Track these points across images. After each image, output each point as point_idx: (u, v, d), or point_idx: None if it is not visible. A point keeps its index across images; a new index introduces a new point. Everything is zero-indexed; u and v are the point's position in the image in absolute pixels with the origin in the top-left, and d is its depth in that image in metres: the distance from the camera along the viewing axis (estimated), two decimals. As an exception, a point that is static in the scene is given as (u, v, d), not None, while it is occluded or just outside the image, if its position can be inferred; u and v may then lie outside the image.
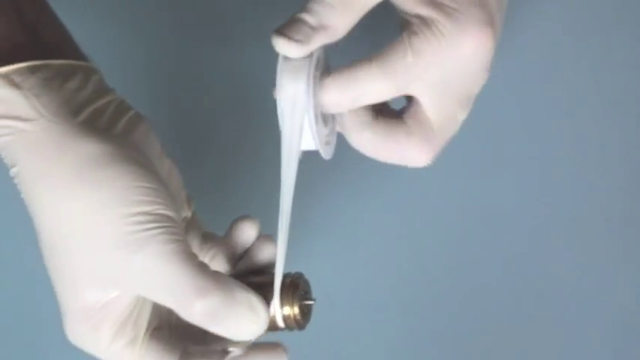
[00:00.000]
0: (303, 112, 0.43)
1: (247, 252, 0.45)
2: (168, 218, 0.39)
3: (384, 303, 0.57)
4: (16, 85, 0.39)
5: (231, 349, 0.43)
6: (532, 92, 0.57)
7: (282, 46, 0.42)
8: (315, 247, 0.56)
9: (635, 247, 0.58)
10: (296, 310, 0.42)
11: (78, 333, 0.41)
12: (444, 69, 0.44)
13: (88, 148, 0.39)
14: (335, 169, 0.59)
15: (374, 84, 0.43)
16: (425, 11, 0.43)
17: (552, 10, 0.57)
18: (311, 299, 0.43)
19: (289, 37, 0.42)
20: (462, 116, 0.46)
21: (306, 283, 0.44)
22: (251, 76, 0.59)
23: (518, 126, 0.56)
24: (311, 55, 0.43)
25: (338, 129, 0.47)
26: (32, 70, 0.40)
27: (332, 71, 0.44)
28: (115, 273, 0.39)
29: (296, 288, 0.42)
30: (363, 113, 0.45)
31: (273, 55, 0.42)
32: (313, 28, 0.42)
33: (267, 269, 0.44)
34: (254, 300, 0.40)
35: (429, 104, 0.45)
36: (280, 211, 0.42)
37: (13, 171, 0.40)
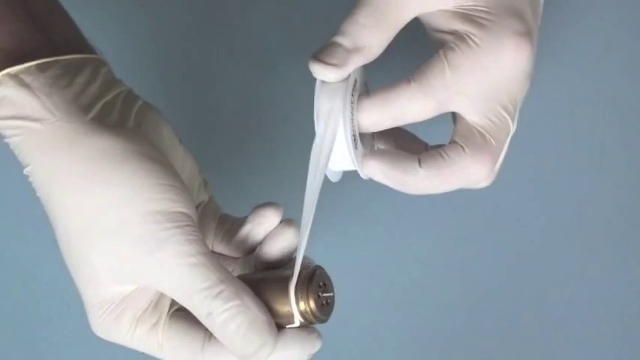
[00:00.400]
0: (342, 133, 0.43)
1: (266, 237, 0.44)
2: (184, 216, 0.39)
3: (384, 303, 0.57)
4: (26, 85, 0.40)
5: None
6: (532, 92, 0.57)
7: (319, 71, 0.43)
8: (315, 247, 0.57)
9: (637, 248, 0.58)
10: (312, 304, 0.41)
11: (101, 326, 0.41)
12: (484, 80, 0.43)
13: (101, 145, 0.39)
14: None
15: (413, 102, 0.43)
16: (460, 26, 0.43)
17: (551, 10, 0.57)
18: (328, 291, 0.42)
19: (325, 62, 0.42)
20: (511, 121, 0.45)
21: (323, 275, 0.42)
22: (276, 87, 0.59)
23: (519, 126, 0.56)
24: (348, 76, 0.43)
25: (387, 183, 0.45)
26: (41, 68, 0.40)
27: (370, 91, 0.45)
28: (131, 270, 0.39)
29: (310, 282, 0.41)
30: (405, 162, 0.45)
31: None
32: (348, 51, 0.43)
33: (286, 257, 0.44)
34: (261, 318, 0.40)
35: (474, 115, 0.44)
36: (302, 223, 0.42)
37: (27, 170, 0.40)
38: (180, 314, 0.42)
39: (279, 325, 0.41)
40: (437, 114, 0.44)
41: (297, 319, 0.41)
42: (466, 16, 0.43)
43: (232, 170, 0.59)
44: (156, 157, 0.40)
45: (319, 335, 0.42)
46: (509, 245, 0.57)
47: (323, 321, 0.42)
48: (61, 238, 0.41)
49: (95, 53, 0.43)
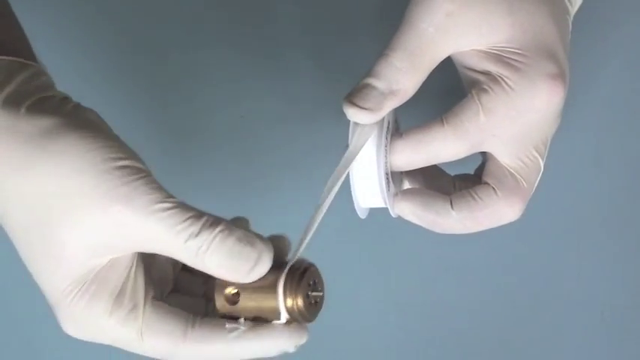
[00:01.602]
0: (375, 174, 0.44)
1: None
2: (140, 169, 0.38)
3: (383, 303, 0.57)
4: None
5: (235, 324, 0.40)
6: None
7: (354, 114, 0.43)
8: (313, 247, 0.56)
9: (633, 247, 0.58)
10: (299, 302, 0.40)
11: (74, 317, 0.40)
12: (517, 123, 0.43)
13: (43, 123, 0.38)
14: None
15: (447, 145, 0.44)
16: (493, 67, 0.43)
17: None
18: (318, 291, 0.41)
19: (360, 106, 0.43)
20: (542, 159, 0.45)
21: (315, 274, 0.41)
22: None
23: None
24: (382, 118, 0.44)
25: (419, 223, 0.47)
26: None
27: (402, 130, 0.45)
28: (105, 233, 0.38)
29: (301, 279, 0.40)
30: (437, 204, 0.45)
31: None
32: (383, 94, 0.43)
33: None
34: (250, 234, 0.39)
35: (507, 157, 0.44)
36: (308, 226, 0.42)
37: None
38: (159, 303, 0.41)
39: (264, 320, 0.40)
40: (469, 154, 0.44)
41: (284, 316, 0.40)
42: (499, 58, 0.43)
43: (233, 171, 0.60)
44: (99, 125, 0.40)
45: (306, 327, 0.42)
46: (506, 245, 0.57)
47: (309, 320, 0.41)
48: (17, 231, 0.39)
49: (37, 62, 0.42)
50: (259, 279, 0.39)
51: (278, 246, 0.42)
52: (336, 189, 0.42)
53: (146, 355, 0.41)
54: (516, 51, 0.43)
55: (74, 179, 0.37)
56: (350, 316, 0.58)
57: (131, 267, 0.40)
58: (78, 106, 0.41)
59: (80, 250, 0.38)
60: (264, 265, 0.39)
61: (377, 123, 0.44)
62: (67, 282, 0.39)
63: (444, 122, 0.44)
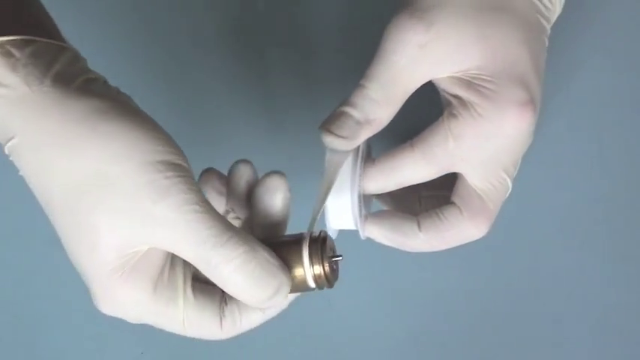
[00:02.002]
0: (348, 200, 0.45)
1: (255, 203, 0.43)
2: (183, 167, 0.39)
3: (383, 302, 0.57)
4: (11, 55, 0.39)
5: None
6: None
7: (331, 142, 0.44)
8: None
9: (635, 247, 0.58)
10: (326, 267, 0.41)
11: (113, 299, 0.40)
12: (486, 148, 0.44)
13: (93, 104, 0.38)
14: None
15: (417, 170, 0.45)
16: (463, 93, 0.44)
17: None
18: (338, 255, 0.42)
19: (336, 134, 0.44)
20: (511, 180, 0.46)
21: (331, 240, 0.43)
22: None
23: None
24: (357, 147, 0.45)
25: (388, 244, 0.48)
26: (26, 43, 0.40)
27: (375, 158, 0.46)
28: (137, 225, 0.38)
29: (323, 245, 0.41)
30: (405, 227, 0.47)
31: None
32: (359, 123, 0.44)
33: (281, 222, 0.43)
34: (274, 262, 0.39)
35: (476, 179, 0.45)
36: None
37: (10, 145, 0.39)
38: (196, 284, 0.41)
39: (292, 291, 0.41)
40: (440, 175, 0.45)
41: (312, 283, 0.41)
42: (470, 84, 0.43)
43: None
44: (146, 114, 0.40)
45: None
46: (507, 244, 0.57)
47: (332, 285, 0.42)
48: (56, 210, 0.39)
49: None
50: (280, 254, 0.40)
51: (276, 217, 0.43)
52: (318, 217, 0.43)
53: (191, 336, 0.42)
54: (487, 78, 0.43)
55: (118, 165, 0.37)
56: (350, 316, 0.58)
57: (167, 256, 0.40)
58: (120, 91, 0.41)
59: (116, 238, 0.38)
60: (282, 296, 0.40)
61: (352, 150, 0.45)
62: (102, 267, 0.39)
63: (414, 148, 0.45)
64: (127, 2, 0.58)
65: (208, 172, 0.44)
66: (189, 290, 0.41)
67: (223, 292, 0.41)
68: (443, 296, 0.58)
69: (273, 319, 0.43)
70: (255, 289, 0.39)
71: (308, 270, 0.41)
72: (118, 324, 0.58)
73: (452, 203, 0.47)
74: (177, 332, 0.41)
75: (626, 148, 0.58)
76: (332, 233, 0.47)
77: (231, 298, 0.41)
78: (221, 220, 0.38)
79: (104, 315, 0.58)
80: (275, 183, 0.43)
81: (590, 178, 0.58)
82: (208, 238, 0.38)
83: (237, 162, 0.44)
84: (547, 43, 0.46)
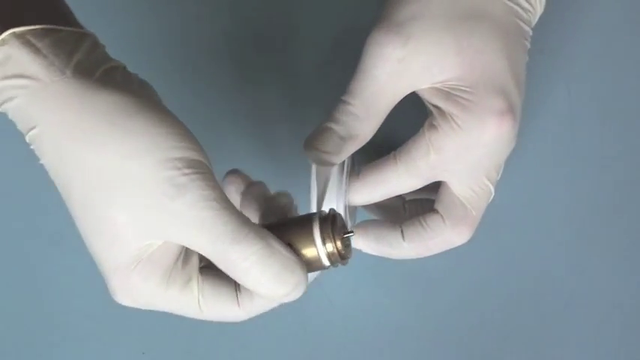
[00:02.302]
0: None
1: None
2: (202, 164, 0.39)
3: (383, 302, 0.57)
4: (32, 45, 0.39)
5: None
6: (531, 92, 0.57)
7: (316, 158, 0.44)
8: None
9: (635, 246, 0.58)
10: (339, 244, 0.41)
11: (128, 289, 0.40)
12: (467, 158, 0.45)
13: (114, 99, 0.39)
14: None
15: (401, 182, 0.46)
16: (442, 104, 0.44)
17: (551, 9, 0.57)
18: (350, 231, 0.42)
19: (321, 150, 0.44)
20: (493, 185, 0.47)
21: (341, 217, 0.43)
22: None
23: (519, 126, 0.56)
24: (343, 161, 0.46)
25: (374, 254, 0.49)
26: (46, 33, 0.40)
27: (359, 171, 0.47)
28: (154, 220, 0.38)
29: (334, 222, 0.41)
30: (389, 236, 0.48)
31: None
32: (343, 139, 0.44)
33: (288, 202, 0.44)
34: (292, 258, 0.39)
35: (458, 188, 0.46)
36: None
37: (32, 133, 0.39)
38: (210, 271, 0.41)
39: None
40: (424, 185, 0.46)
41: (326, 261, 0.41)
42: (448, 95, 0.44)
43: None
44: (167, 110, 0.40)
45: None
46: (508, 244, 0.57)
47: (346, 262, 0.42)
48: (75, 202, 0.39)
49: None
50: (291, 235, 0.41)
51: (283, 201, 0.44)
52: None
53: (209, 319, 0.42)
54: (465, 89, 0.43)
55: (136, 160, 0.38)
56: (350, 316, 0.58)
57: (182, 246, 0.41)
58: (143, 83, 0.42)
59: (133, 231, 0.38)
60: (300, 291, 0.40)
61: (338, 165, 0.45)
62: (119, 260, 0.39)
63: (397, 160, 0.46)
64: (115, 11, 0.58)
65: (232, 173, 0.45)
66: (203, 275, 0.41)
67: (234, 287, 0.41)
68: (443, 296, 0.58)
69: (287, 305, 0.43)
70: (274, 284, 0.39)
71: (321, 249, 0.41)
72: (119, 324, 0.58)
73: (435, 211, 0.48)
74: (196, 317, 0.41)
75: (627, 148, 0.58)
76: None
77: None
78: (239, 216, 0.39)
79: (105, 315, 0.58)
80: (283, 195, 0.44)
81: (591, 178, 0.58)
82: (225, 234, 0.38)
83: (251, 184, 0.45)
84: (529, 45, 0.46)
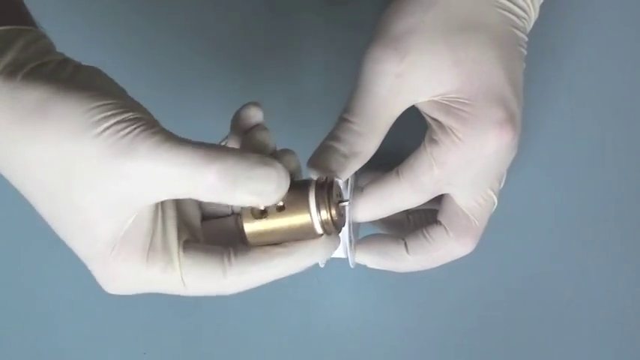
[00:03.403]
0: (342, 233, 0.44)
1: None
2: (139, 119, 0.37)
3: (383, 302, 0.57)
4: None
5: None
6: (532, 92, 0.57)
7: (318, 174, 0.43)
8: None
9: (635, 247, 0.58)
10: (333, 213, 0.39)
11: (110, 276, 0.39)
12: (470, 170, 0.45)
13: (38, 92, 0.37)
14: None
15: (406, 198, 0.46)
16: (443, 118, 0.44)
17: (552, 9, 0.57)
18: (345, 200, 0.41)
19: (325, 169, 0.43)
20: (496, 195, 0.47)
21: (338, 185, 0.41)
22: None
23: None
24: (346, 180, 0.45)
25: (379, 268, 0.49)
26: None
27: (363, 187, 0.47)
28: (116, 192, 0.37)
29: (330, 189, 0.40)
30: (393, 250, 0.48)
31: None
32: (346, 157, 0.44)
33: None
34: (266, 158, 0.37)
35: (462, 199, 0.46)
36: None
37: None
38: (192, 246, 0.40)
39: (293, 238, 0.40)
40: (429, 199, 0.46)
41: (319, 230, 0.39)
42: (448, 109, 0.44)
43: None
44: (98, 84, 0.39)
45: (339, 237, 0.42)
46: (508, 245, 0.57)
47: (338, 231, 0.41)
48: (37, 202, 0.39)
49: (34, 26, 0.41)
50: (285, 199, 0.39)
51: (289, 161, 0.42)
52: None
53: (194, 295, 0.41)
54: (464, 101, 0.43)
55: (74, 143, 0.37)
56: (350, 316, 0.58)
57: (156, 218, 0.40)
58: (78, 67, 0.40)
59: (99, 213, 0.37)
60: (286, 182, 0.37)
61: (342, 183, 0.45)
62: (96, 246, 0.38)
63: (400, 176, 0.46)
64: (116, 19, 0.58)
65: (248, 107, 0.43)
66: (186, 251, 0.40)
67: (229, 249, 0.40)
68: (443, 296, 0.58)
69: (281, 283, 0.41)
70: (262, 184, 0.37)
71: (315, 216, 0.39)
72: (119, 324, 0.58)
73: (438, 222, 0.48)
74: (180, 293, 0.40)
75: (628, 148, 0.58)
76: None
77: (237, 250, 0.40)
78: (197, 144, 0.37)
79: (105, 315, 0.58)
80: (250, 112, 0.42)
81: (592, 178, 0.58)
82: (194, 162, 0.36)
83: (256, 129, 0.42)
84: (525, 52, 0.46)
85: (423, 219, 0.51)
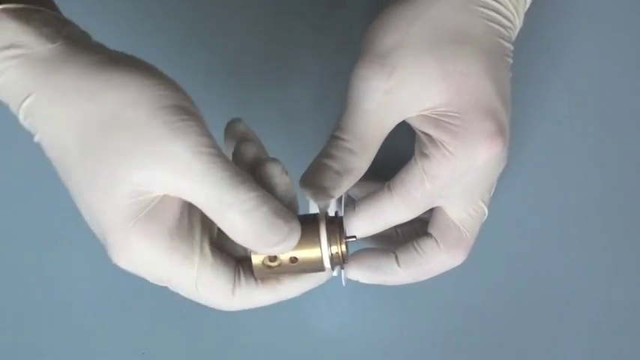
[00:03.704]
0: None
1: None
2: (195, 113, 0.39)
3: (384, 302, 0.57)
4: (22, 19, 0.40)
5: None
6: (532, 92, 0.57)
7: (314, 195, 0.44)
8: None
9: (635, 247, 0.58)
10: (343, 248, 0.41)
11: (129, 248, 0.39)
12: (462, 183, 0.45)
13: (105, 56, 0.39)
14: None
15: (398, 214, 0.46)
16: (433, 132, 0.44)
17: (552, 8, 0.57)
18: (352, 236, 0.43)
19: (318, 187, 0.43)
20: (487, 206, 0.47)
21: (342, 220, 0.43)
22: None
23: (519, 126, 0.56)
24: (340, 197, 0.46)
25: (368, 282, 0.49)
26: (32, 12, 0.40)
27: (355, 204, 0.47)
28: (152, 166, 0.38)
29: (341, 225, 0.41)
30: (384, 265, 0.48)
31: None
32: (339, 173, 0.44)
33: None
34: (286, 208, 0.39)
35: (454, 212, 0.46)
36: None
37: (25, 106, 0.39)
38: (212, 248, 0.41)
39: (301, 266, 0.41)
40: (420, 213, 0.46)
41: (327, 264, 0.41)
42: (437, 122, 0.44)
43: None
44: (152, 65, 0.41)
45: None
46: (508, 245, 0.57)
47: (344, 267, 0.43)
48: (68, 163, 0.39)
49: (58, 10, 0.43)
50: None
51: (279, 182, 0.42)
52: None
53: (198, 301, 0.42)
54: (453, 114, 0.43)
55: (133, 109, 0.38)
56: (351, 317, 0.58)
57: (184, 208, 0.40)
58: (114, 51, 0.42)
59: (128, 180, 0.38)
60: (291, 243, 0.39)
61: (334, 200, 0.45)
62: (118, 215, 0.39)
63: (393, 192, 0.46)
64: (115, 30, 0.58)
65: (234, 123, 0.44)
66: (206, 249, 0.41)
67: (238, 262, 0.41)
68: (443, 296, 0.58)
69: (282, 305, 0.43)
70: (266, 231, 0.38)
71: (325, 250, 0.40)
72: (119, 324, 0.58)
73: (428, 235, 0.48)
74: (188, 293, 0.41)
75: (627, 148, 0.58)
76: None
77: (246, 271, 0.41)
78: (234, 165, 0.39)
79: (105, 315, 0.58)
80: (235, 126, 0.43)
81: (591, 178, 0.57)
82: (223, 179, 0.38)
83: (242, 142, 0.43)
84: (511, 61, 0.46)
85: (411, 230, 0.51)
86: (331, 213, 0.45)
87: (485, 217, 0.47)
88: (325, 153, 0.44)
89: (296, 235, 0.39)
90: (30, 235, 0.59)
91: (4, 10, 0.40)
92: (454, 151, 0.43)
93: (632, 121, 0.57)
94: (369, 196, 0.47)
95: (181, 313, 0.57)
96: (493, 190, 0.47)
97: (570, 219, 0.57)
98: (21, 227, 0.59)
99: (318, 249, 0.40)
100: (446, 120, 0.43)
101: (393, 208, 0.46)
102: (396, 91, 0.43)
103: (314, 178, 0.44)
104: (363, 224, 0.47)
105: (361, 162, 0.44)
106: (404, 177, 0.45)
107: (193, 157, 0.37)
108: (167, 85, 0.39)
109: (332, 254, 0.41)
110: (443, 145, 0.44)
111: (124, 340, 0.58)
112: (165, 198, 0.39)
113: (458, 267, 0.56)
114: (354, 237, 0.42)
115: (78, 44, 0.40)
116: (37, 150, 0.55)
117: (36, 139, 0.40)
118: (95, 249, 0.58)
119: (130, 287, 0.57)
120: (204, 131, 0.38)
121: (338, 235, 0.41)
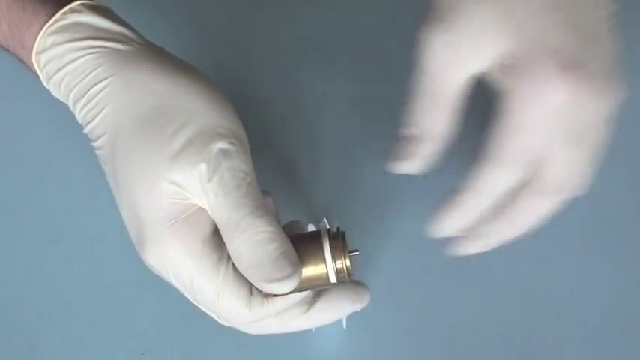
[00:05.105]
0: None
1: None
2: (245, 145, 0.42)
3: (384, 302, 0.57)
4: (103, 14, 0.43)
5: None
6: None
7: (402, 168, 0.44)
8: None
9: (635, 247, 0.58)
10: (347, 262, 0.42)
11: (162, 247, 0.41)
12: (555, 129, 0.42)
13: (178, 62, 0.43)
14: (341, 170, 0.59)
15: (500, 179, 0.43)
16: (503, 82, 0.42)
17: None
18: (355, 250, 0.43)
19: (404, 159, 0.44)
20: (591, 165, 0.45)
21: (344, 235, 0.43)
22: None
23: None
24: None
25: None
26: (106, 10, 0.44)
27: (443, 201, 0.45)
28: (190, 174, 0.40)
29: (344, 240, 0.42)
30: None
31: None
32: (420, 140, 0.44)
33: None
34: (295, 255, 0.41)
35: (563, 160, 0.43)
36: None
37: (103, 84, 0.42)
38: (235, 268, 0.42)
39: (308, 287, 0.42)
40: (525, 176, 0.43)
41: (333, 278, 0.41)
42: (505, 71, 0.42)
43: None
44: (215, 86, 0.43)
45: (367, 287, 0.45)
46: (508, 245, 0.57)
47: (348, 280, 0.43)
48: (119, 150, 0.41)
49: None
50: (299, 250, 0.41)
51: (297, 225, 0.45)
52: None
53: (212, 311, 0.43)
54: (518, 59, 0.41)
55: (193, 117, 0.41)
56: (350, 315, 0.58)
57: (217, 228, 0.41)
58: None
59: (170, 180, 0.40)
60: (292, 284, 0.40)
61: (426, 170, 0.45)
62: (158, 213, 0.40)
63: (488, 159, 0.43)
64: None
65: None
66: (230, 264, 0.42)
67: (251, 287, 0.42)
68: (443, 296, 0.58)
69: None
70: (269, 266, 0.40)
71: (330, 266, 0.41)
72: (119, 324, 0.58)
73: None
74: (207, 301, 0.42)
75: (627, 148, 0.58)
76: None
77: (258, 292, 0.42)
78: (263, 202, 0.41)
79: (105, 315, 0.58)
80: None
81: (592, 178, 0.57)
82: (249, 206, 0.40)
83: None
84: None
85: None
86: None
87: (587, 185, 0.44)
88: (401, 123, 0.44)
89: (295, 281, 0.40)
90: (30, 235, 0.59)
91: (83, 5, 0.43)
92: (525, 96, 0.41)
93: (632, 121, 0.57)
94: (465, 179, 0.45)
95: (181, 313, 0.57)
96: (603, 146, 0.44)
97: (569, 218, 0.57)
98: (21, 227, 0.59)
99: (323, 265, 0.41)
100: (512, 66, 0.41)
101: (492, 176, 0.43)
102: (455, 43, 0.42)
103: (397, 152, 0.44)
104: (469, 205, 0.45)
105: (438, 124, 0.43)
106: (496, 137, 0.42)
107: (231, 177, 0.40)
108: (227, 108, 0.42)
109: (337, 269, 0.41)
110: (517, 93, 0.41)
111: (124, 340, 0.58)
112: (202, 210, 0.41)
113: (458, 267, 0.57)
114: (357, 251, 0.43)
115: (152, 46, 0.43)
116: (37, 150, 0.55)
117: (91, 126, 0.42)
118: (95, 249, 0.59)
119: (130, 287, 0.57)
120: (249, 163, 0.41)
121: (342, 250, 0.41)
